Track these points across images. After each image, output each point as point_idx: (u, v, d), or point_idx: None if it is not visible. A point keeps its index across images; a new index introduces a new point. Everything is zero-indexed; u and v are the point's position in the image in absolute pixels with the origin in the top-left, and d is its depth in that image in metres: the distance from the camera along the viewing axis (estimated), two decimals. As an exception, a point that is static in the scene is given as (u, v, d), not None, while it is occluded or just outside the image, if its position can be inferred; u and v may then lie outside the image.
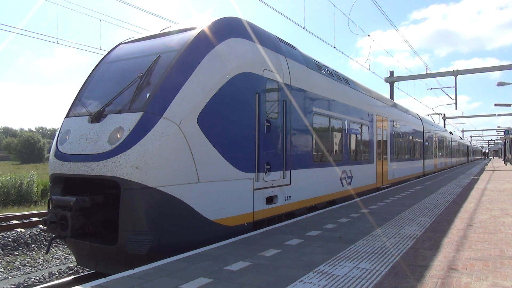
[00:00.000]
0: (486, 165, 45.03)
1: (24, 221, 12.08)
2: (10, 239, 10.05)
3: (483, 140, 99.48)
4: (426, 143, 24.31)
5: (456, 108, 36.84)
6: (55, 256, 9.46)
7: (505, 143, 52.28)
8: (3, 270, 8.37)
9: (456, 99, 29.12)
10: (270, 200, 7.25)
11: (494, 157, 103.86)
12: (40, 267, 8.70)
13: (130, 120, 5.39)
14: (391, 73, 28.28)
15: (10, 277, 7.95)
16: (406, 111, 20.42)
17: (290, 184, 7.80)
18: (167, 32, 6.97)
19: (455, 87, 28.36)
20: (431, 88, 35.95)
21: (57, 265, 8.79)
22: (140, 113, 5.39)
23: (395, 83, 27.94)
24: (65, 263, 8.90)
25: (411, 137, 19.94)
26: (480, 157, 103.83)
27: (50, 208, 5.63)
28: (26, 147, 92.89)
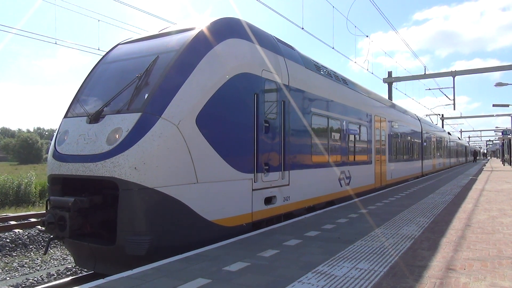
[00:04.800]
0: (484, 165, 45.14)
1: (22, 222, 12.05)
2: (8, 240, 10.02)
3: (481, 140, 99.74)
4: (425, 144, 24.35)
5: (454, 109, 36.93)
6: (53, 257, 9.44)
7: (503, 144, 52.39)
8: (1, 271, 8.36)
9: (454, 99, 29.17)
10: (268, 200, 7.24)
11: (492, 157, 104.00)
12: (38, 268, 8.68)
13: (128, 120, 5.39)
14: (390, 73, 28.34)
15: (8, 278, 7.94)
16: (404, 112, 20.45)
17: (288, 184, 7.80)
18: (165, 32, 6.97)
19: (453, 87, 28.41)
20: (429, 89, 36.11)
21: (55, 266, 8.77)
22: (139, 114, 5.38)
23: (394, 83, 28.00)
24: (64, 264, 8.88)
25: (409, 138, 19.97)
26: (479, 157, 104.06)
27: (48, 208, 5.62)
28: (24, 148, 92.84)
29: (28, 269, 8.53)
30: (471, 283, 3.88)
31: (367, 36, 21.05)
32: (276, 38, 8.36)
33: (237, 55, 6.64)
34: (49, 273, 7.98)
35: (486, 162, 61.05)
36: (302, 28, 14.21)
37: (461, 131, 76.12)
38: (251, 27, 7.39)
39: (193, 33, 6.29)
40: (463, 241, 5.72)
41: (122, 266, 4.93)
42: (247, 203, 6.61)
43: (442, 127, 48.88)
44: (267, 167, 7.10)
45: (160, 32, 7.06)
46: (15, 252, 9.73)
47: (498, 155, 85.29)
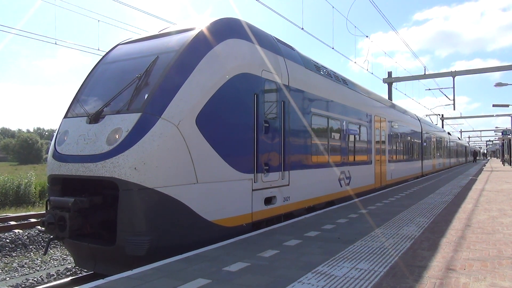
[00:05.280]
0: (484, 165, 45.15)
1: (22, 222, 12.04)
2: (8, 240, 10.02)
3: (481, 140, 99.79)
4: (425, 144, 24.35)
5: (454, 109, 36.96)
6: (53, 257, 9.44)
7: (503, 144, 52.37)
8: (1, 271, 8.36)
9: (454, 99, 29.18)
10: (268, 200, 7.24)
11: (492, 158, 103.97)
12: (38, 268, 8.68)
13: (128, 121, 5.39)
14: (389, 73, 28.35)
15: (8, 278, 7.93)
16: (404, 112, 20.45)
17: (288, 184, 7.80)
18: (165, 32, 6.97)
19: (453, 88, 28.40)
20: (429, 89, 36.14)
21: (55, 266, 8.77)
22: (139, 114, 5.38)
23: (394, 84, 28.00)
24: (63, 264, 8.88)
25: (409, 138, 19.97)
26: (479, 157, 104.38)
27: (48, 209, 5.62)
28: (24, 148, 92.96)
29: (28, 270, 8.53)
30: (471, 283, 3.88)
31: (367, 37, 21.08)
32: (276, 38, 8.37)
33: (237, 55, 6.64)
34: (49, 273, 7.98)
35: (486, 162, 61.07)
36: (302, 29, 14.22)
37: (461, 131, 76.15)
38: (251, 27, 7.40)
39: (193, 33, 6.29)
40: (463, 241, 5.72)
41: (122, 266, 4.92)
42: (247, 203, 6.61)
43: (442, 127, 48.88)
44: (267, 167, 7.10)
45: (160, 32, 7.06)
46: (15, 252, 9.72)
47: (498, 155, 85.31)
